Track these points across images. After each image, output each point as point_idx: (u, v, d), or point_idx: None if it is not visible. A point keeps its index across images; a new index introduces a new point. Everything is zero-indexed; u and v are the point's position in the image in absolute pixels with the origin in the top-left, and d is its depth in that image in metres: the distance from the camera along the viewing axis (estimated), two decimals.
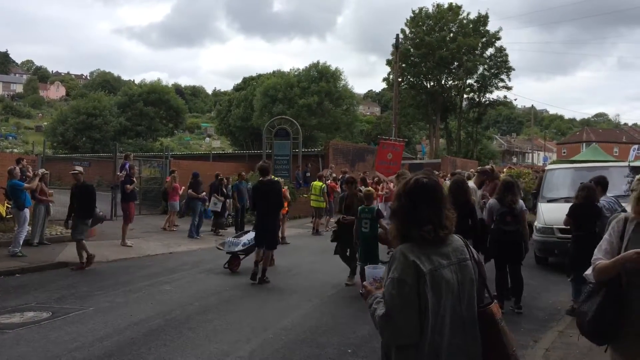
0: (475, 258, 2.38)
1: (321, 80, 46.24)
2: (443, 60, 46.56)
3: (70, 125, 43.75)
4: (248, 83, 58.93)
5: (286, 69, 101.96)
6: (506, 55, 48.83)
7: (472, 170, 14.58)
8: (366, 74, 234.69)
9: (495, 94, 51.19)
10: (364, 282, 2.53)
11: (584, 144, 65.99)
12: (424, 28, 47.80)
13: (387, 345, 2.33)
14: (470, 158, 44.23)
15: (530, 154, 74.83)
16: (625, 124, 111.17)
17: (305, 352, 5.27)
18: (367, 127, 57.37)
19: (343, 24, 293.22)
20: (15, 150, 45.47)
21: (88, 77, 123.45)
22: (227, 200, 15.19)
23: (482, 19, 48.04)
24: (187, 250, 12.16)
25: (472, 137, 52.49)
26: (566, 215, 6.86)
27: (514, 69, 50.18)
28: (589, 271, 2.70)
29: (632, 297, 2.52)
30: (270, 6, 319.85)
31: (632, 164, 12.00)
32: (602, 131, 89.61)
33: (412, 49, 47.52)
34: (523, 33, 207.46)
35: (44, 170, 12.14)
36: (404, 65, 46.48)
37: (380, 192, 13.22)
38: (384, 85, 58.28)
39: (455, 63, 47.75)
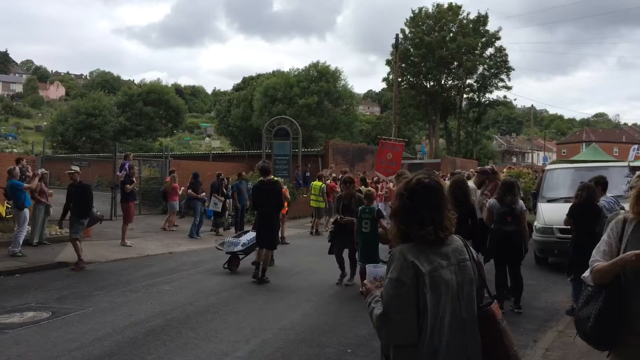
0: (475, 259, 2.38)
1: (321, 80, 46.26)
2: (443, 60, 46.59)
3: (69, 125, 43.75)
4: (248, 83, 58.99)
5: (286, 68, 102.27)
6: (506, 55, 48.93)
7: (471, 170, 14.58)
8: (366, 74, 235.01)
9: (495, 94, 51.37)
10: (365, 281, 2.53)
11: (584, 144, 66.01)
12: (424, 28, 47.84)
13: (386, 345, 2.33)
14: (470, 158, 44.23)
15: (530, 154, 74.83)
16: (625, 124, 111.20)
17: (304, 352, 5.27)
18: (366, 127, 57.33)
19: (343, 24, 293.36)
20: (15, 150, 45.49)
21: (88, 77, 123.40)
22: (227, 200, 15.19)
23: (482, 19, 48.07)
24: (186, 250, 12.16)
25: (472, 137, 52.51)
26: (566, 215, 6.87)
27: (513, 69, 50.35)
28: (586, 273, 2.63)
29: (632, 300, 2.47)
30: (270, 6, 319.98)
31: (632, 164, 12.01)
32: (602, 131, 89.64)
33: (411, 49, 47.56)
34: (523, 33, 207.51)
35: (43, 170, 12.14)
36: (403, 65, 46.51)
37: (379, 192, 13.22)
38: (383, 85, 58.44)
39: (455, 63, 47.80)
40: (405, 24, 49.32)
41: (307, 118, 43.07)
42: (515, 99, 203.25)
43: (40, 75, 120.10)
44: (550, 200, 10.29)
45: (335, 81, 47.55)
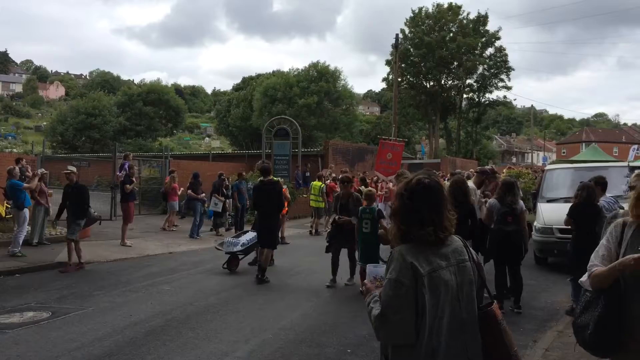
0: (475, 259, 2.37)
1: (321, 80, 46.26)
2: (443, 60, 46.60)
3: (69, 125, 43.76)
4: (247, 83, 59.01)
5: (286, 68, 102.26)
6: (506, 55, 48.94)
7: (471, 170, 14.58)
8: (366, 74, 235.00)
9: (495, 94, 51.37)
10: (365, 280, 2.54)
11: (584, 144, 66.05)
12: (424, 28, 47.84)
13: (385, 345, 2.34)
14: (470, 158, 44.24)
15: (530, 154, 74.85)
16: (625, 124, 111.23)
17: (304, 352, 5.27)
18: (366, 127, 57.36)
19: (343, 24, 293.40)
20: (15, 150, 45.52)
21: (87, 77, 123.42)
22: (227, 201, 15.18)
23: (482, 19, 48.07)
24: (186, 250, 12.16)
25: (472, 137, 52.52)
26: (566, 215, 6.87)
27: (513, 69, 50.38)
28: (584, 278, 2.58)
29: (631, 304, 2.42)
30: (270, 6, 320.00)
31: (631, 164, 12.02)
32: (602, 131, 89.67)
33: (411, 49, 47.55)
34: (523, 33, 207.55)
35: (43, 170, 12.14)
36: (403, 65, 46.51)
37: (379, 192, 13.21)
38: (383, 85, 58.44)
39: (455, 63, 47.81)
40: (405, 24, 49.37)
41: (307, 118, 43.08)
42: (515, 99, 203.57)
43: (40, 75, 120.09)
44: (550, 200, 10.29)
45: (335, 81, 47.56)
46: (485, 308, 2.34)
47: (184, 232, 14.30)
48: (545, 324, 6.43)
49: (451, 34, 47.37)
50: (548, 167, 14.36)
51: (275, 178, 9.52)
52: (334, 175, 18.20)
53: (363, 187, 13.54)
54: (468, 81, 49.88)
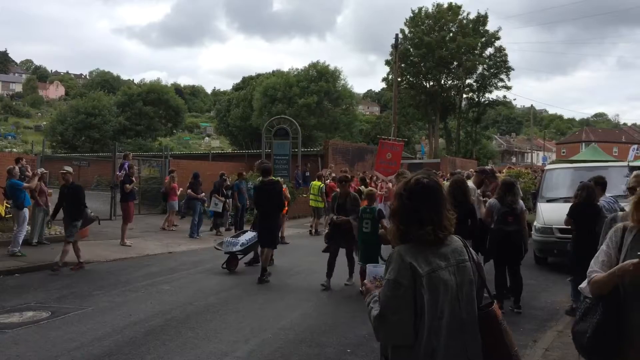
0: (475, 259, 2.37)
1: (320, 80, 46.28)
2: (442, 60, 46.61)
3: (69, 125, 43.78)
4: (247, 83, 59.04)
5: (286, 68, 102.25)
6: (506, 55, 48.97)
7: (471, 170, 14.58)
8: (366, 74, 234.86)
9: (495, 94, 51.40)
10: (365, 281, 2.54)
11: (584, 144, 66.10)
12: (424, 28, 47.85)
13: (385, 346, 2.33)
14: (470, 158, 44.24)
15: (530, 154, 74.83)
16: (625, 124, 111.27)
17: (304, 352, 5.27)
18: (366, 126, 57.40)
19: (343, 24, 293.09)
20: (15, 149, 45.51)
21: (87, 77, 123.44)
22: (227, 201, 15.17)
23: (482, 19, 48.08)
24: (186, 250, 12.16)
25: (472, 137, 52.54)
26: (566, 215, 6.87)
27: (513, 69, 50.35)
28: (583, 285, 2.54)
29: (631, 312, 2.38)
30: (270, 6, 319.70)
31: (631, 163, 12.03)
32: (602, 131, 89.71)
33: (411, 49, 47.55)
34: (523, 33, 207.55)
35: (43, 169, 12.13)
36: (403, 65, 46.52)
37: (379, 192, 13.20)
38: (383, 85, 58.46)
39: (455, 63, 47.82)
40: (405, 24, 49.39)
41: (307, 118, 43.10)
42: (514, 99, 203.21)
43: (39, 75, 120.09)
44: (549, 200, 10.29)
45: (335, 81, 47.60)
46: (486, 308, 2.34)
47: (183, 231, 14.30)
48: (545, 324, 6.43)
49: (451, 34, 47.39)
50: (548, 167, 14.36)
51: (275, 178, 9.53)
52: (333, 175, 18.20)
53: (363, 187, 13.55)
54: (468, 81, 49.94)
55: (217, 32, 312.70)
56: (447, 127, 52.77)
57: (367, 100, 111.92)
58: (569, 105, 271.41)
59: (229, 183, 15.18)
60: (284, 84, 46.27)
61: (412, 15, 49.05)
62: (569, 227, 6.93)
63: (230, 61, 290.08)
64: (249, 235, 9.72)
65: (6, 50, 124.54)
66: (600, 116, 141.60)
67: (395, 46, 33.12)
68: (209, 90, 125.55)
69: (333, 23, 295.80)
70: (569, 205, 7.02)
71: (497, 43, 48.37)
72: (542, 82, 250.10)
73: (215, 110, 74.80)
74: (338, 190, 8.78)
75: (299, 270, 9.66)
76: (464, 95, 50.97)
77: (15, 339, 5.57)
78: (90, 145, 42.89)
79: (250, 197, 13.97)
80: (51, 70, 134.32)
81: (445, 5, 48.34)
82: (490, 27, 49.53)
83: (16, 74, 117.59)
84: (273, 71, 59.21)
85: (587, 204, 6.57)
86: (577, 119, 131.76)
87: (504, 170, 19.66)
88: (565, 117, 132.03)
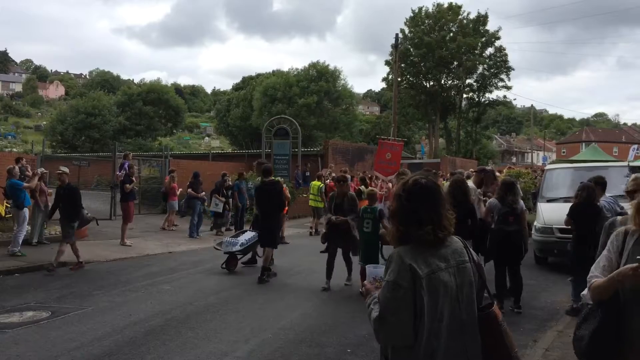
0: (475, 260, 2.36)
1: (320, 80, 46.28)
2: (443, 60, 46.60)
3: (69, 125, 43.77)
4: (247, 82, 59.06)
5: (286, 68, 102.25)
6: (506, 55, 48.95)
7: (471, 169, 14.58)
8: (366, 74, 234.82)
9: (495, 94, 51.39)
10: (365, 281, 2.54)
11: (584, 144, 66.09)
12: (424, 28, 47.85)
13: (385, 346, 2.33)
14: (470, 158, 44.24)
15: (530, 154, 74.84)
16: (625, 124, 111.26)
17: (304, 352, 5.27)
18: (366, 126, 57.41)
19: (343, 24, 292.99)
20: (15, 149, 45.45)
21: (87, 77, 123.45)
22: (229, 200, 15.16)
23: (482, 19, 48.07)
24: (186, 250, 12.15)
25: (472, 136, 52.54)
26: (567, 215, 6.87)
27: (513, 69, 50.35)
28: (585, 291, 2.51)
29: (631, 317, 2.34)
30: (270, 6, 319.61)
31: (631, 163, 12.05)
32: (602, 131, 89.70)
33: (411, 49, 47.55)
34: (523, 33, 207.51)
35: (43, 169, 12.13)
36: (403, 65, 46.50)
37: (379, 192, 13.19)
38: (383, 84, 58.44)
39: (455, 63, 47.79)
40: (405, 24, 49.38)
41: (307, 118, 43.11)
42: (515, 99, 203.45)
43: (39, 75, 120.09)
44: (550, 200, 10.29)
45: (335, 81, 47.62)
46: (486, 309, 2.33)
47: (183, 231, 14.30)
48: (545, 324, 6.43)
49: (451, 34, 47.38)
50: (548, 167, 14.36)
51: (275, 178, 9.56)
52: (333, 175, 18.20)
53: (363, 187, 13.54)
54: (468, 81, 49.92)
55: (217, 32, 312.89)
56: (447, 127, 52.76)
57: (367, 100, 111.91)
58: (569, 105, 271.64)
59: (230, 183, 15.18)
60: (284, 84, 46.28)
61: (412, 15, 49.07)
62: (569, 227, 6.94)
63: (230, 61, 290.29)
64: (248, 235, 9.72)
65: (6, 50, 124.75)
66: (600, 116, 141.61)
67: (395, 46, 33.09)
68: (209, 90, 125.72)
69: (333, 23, 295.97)
70: (569, 205, 7.03)
71: (497, 43, 48.44)
72: (542, 82, 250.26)
73: (215, 110, 74.80)
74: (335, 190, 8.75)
75: (299, 270, 9.66)
76: (464, 95, 50.96)
77: (15, 339, 5.57)
78: (90, 145, 42.89)
79: (250, 197, 13.99)
80: (51, 70, 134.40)
81: (446, 5, 48.35)
82: (491, 27, 49.55)
83: (16, 74, 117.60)
84: (273, 71, 59.26)
85: (587, 204, 6.57)
86: (577, 119, 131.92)
87: (504, 170, 19.66)
88: (565, 117, 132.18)
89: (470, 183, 8.00)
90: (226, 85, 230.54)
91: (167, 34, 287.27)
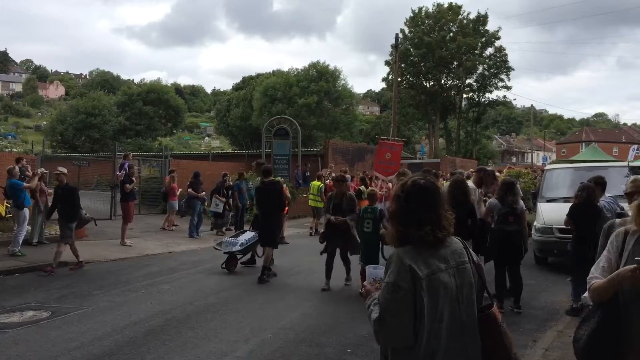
0: (475, 261, 2.37)
1: (320, 80, 46.29)
2: (443, 60, 46.61)
3: (69, 125, 43.79)
4: (247, 82, 59.07)
5: (286, 68, 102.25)
6: (506, 55, 48.97)
7: (471, 169, 14.58)
8: (366, 74, 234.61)
9: (495, 94, 51.39)
10: (364, 282, 2.53)
11: (584, 144, 66.11)
12: (424, 28, 47.86)
13: (385, 347, 2.33)
14: (470, 158, 44.25)
15: (530, 154, 74.84)
16: (625, 124, 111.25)
17: (304, 352, 5.27)
18: (366, 126, 57.43)
19: (343, 24, 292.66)
20: (15, 149, 45.50)
21: (87, 77, 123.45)
22: (229, 200, 15.16)
23: (482, 19, 48.08)
24: (186, 249, 12.16)
25: (472, 136, 52.55)
26: (566, 215, 6.88)
27: (513, 69, 50.33)
28: (586, 293, 2.49)
29: (631, 318, 2.32)
30: (270, 5, 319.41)
31: (631, 163, 12.05)
32: (602, 131, 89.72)
33: (411, 49, 47.56)
34: (523, 33, 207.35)
35: (43, 169, 12.13)
36: (403, 65, 46.50)
37: (379, 192, 13.20)
38: (383, 85, 58.44)
39: (455, 63, 47.80)
40: (405, 24, 49.40)
41: (307, 118, 43.13)
42: (515, 99, 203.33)
43: (39, 75, 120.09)
44: (549, 200, 10.29)
45: (335, 81, 47.64)
46: (486, 310, 2.34)
47: (183, 231, 14.30)
48: (545, 324, 6.43)
49: (451, 34, 47.39)
50: (548, 167, 14.37)
51: (276, 178, 9.58)
52: (333, 175, 18.21)
53: (363, 187, 13.55)
54: (468, 81, 49.94)
55: (217, 32, 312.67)
56: (447, 127, 52.76)
57: (367, 100, 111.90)
58: (569, 105, 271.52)
59: (231, 183, 15.19)
60: (284, 83, 46.29)
61: (412, 15, 49.09)
62: (569, 227, 6.94)
63: (230, 61, 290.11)
64: (248, 235, 9.73)
65: (6, 50, 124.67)
66: (600, 116, 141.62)
67: (395, 46, 33.10)
68: (209, 90, 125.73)
69: (333, 23, 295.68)
70: (569, 205, 7.03)
71: (497, 43, 48.47)
72: (542, 82, 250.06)
73: (215, 110, 74.84)
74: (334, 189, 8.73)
75: (299, 270, 9.67)
76: (464, 95, 50.98)
77: (16, 339, 5.58)
78: (90, 145, 42.90)
79: (250, 197, 13.99)
80: (51, 70, 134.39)
81: (446, 5, 48.36)
82: (491, 27, 49.57)
83: (16, 74, 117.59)
84: (273, 71, 59.26)
85: (587, 204, 6.58)
86: (577, 119, 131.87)
87: (504, 170, 19.67)
88: (565, 117, 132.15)
89: (470, 183, 8.00)
90: (226, 85, 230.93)
91: (167, 34, 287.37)
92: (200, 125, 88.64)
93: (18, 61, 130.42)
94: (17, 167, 10.81)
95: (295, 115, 36.82)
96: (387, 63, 48.57)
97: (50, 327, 5.97)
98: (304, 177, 21.37)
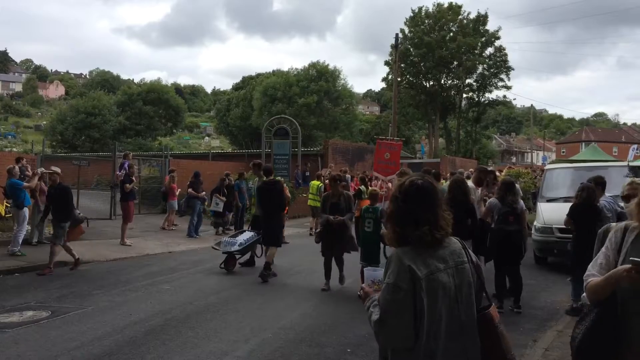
0: (474, 261, 2.36)
1: (320, 80, 46.29)
2: (442, 60, 46.62)
3: (69, 124, 43.81)
4: (247, 82, 59.08)
5: (286, 68, 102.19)
6: (505, 54, 48.99)
7: (471, 169, 14.57)
8: (365, 74, 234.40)
9: (495, 94, 51.39)
10: (363, 284, 2.53)
11: (583, 144, 66.14)
12: (424, 28, 47.86)
13: (384, 348, 2.33)
14: (470, 157, 44.25)
15: (530, 154, 74.81)
16: (625, 124, 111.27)
17: (304, 352, 5.27)
18: (366, 126, 57.43)
19: (343, 24, 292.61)
20: (15, 149, 45.50)
21: (87, 76, 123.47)
22: (229, 200, 15.15)
23: (482, 19, 48.09)
24: (186, 249, 12.16)
25: (472, 136, 52.56)
26: (567, 215, 6.88)
27: (513, 69, 50.31)
28: (584, 293, 2.44)
29: (629, 317, 2.27)
30: (270, 5, 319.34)
31: (631, 163, 12.04)
32: (602, 131, 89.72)
33: (411, 49, 47.56)
34: (523, 33, 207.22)
35: (43, 169, 12.12)
36: (403, 65, 46.51)
37: (379, 192, 13.20)
38: (383, 84, 58.45)
39: (455, 62, 47.80)
40: (405, 24, 49.41)
41: (307, 117, 43.14)
42: (514, 99, 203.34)
43: (39, 75, 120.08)
44: (549, 200, 10.29)
45: (335, 80, 47.65)
46: (483, 311, 2.33)
47: (183, 231, 14.30)
48: (545, 324, 6.43)
49: (451, 34, 47.40)
50: (548, 166, 14.37)
51: (277, 178, 9.60)
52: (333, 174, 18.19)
53: (363, 187, 13.54)
54: (468, 81, 49.94)
55: (217, 32, 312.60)
56: (447, 126, 52.76)
57: (367, 100, 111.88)
58: (569, 105, 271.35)
59: (231, 182, 15.18)
60: (284, 83, 46.30)
61: (412, 15, 49.10)
62: (569, 227, 6.94)
63: (230, 61, 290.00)
64: (247, 235, 9.71)
65: (6, 50, 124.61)
66: (600, 116, 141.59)
67: (395, 46, 33.10)
68: (209, 90, 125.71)
69: (333, 23, 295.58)
70: (569, 205, 7.04)
71: (497, 43, 48.48)
72: (542, 82, 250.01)
73: (215, 109, 74.84)
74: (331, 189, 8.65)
75: (299, 270, 9.67)
76: (464, 95, 50.98)
77: (16, 339, 5.58)
78: (90, 144, 42.93)
79: (250, 197, 13.97)
80: (51, 70, 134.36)
81: (446, 5, 48.36)
82: (490, 26, 49.61)
83: (16, 74, 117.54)
84: (273, 71, 59.30)
85: (587, 204, 6.58)
86: (577, 118, 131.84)
87: (504, 170, 19.66)
88: (565, 117, 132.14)
89: (470, 183, 8.00)
90: (226, 85, 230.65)
91: (167, 34, 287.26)
92: (200, 125, 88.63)
93: (18, 61, 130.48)
94: (17, 167, 10.81)
95: (295, 115, 36.82)
96: (387, 63, 48.60)
97: (50, 327, 5.97)
98: (304, 177, 21.38)
